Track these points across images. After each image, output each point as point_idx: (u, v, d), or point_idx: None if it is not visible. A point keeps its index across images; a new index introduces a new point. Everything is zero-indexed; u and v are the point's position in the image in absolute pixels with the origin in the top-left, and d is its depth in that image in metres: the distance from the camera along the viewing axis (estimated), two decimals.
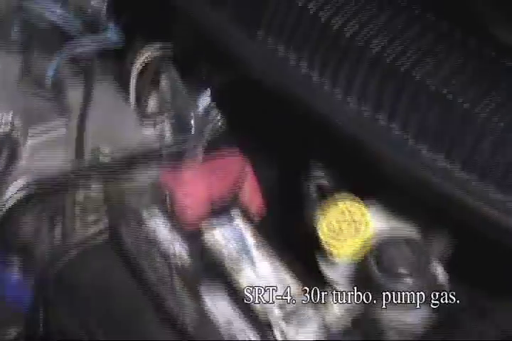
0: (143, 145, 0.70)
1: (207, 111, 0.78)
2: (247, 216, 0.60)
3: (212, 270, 0.54)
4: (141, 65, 0.77)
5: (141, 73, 0.78)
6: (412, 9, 0.57)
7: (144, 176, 0.69)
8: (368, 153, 0.57)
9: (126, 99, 0.76)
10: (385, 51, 0.55)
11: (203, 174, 0.61)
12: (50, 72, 0.70)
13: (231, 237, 0.58)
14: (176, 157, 0.72)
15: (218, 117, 0.78)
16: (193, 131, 0.76)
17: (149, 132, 0.75)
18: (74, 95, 0.72)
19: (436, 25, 0.55)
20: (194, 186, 0.60)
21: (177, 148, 0.73)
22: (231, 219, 0.60)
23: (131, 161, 0.68)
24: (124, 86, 0.77)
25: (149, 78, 0.78)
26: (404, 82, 0.55)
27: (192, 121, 0.77)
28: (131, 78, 0.77)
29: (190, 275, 0.53)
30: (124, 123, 0.73)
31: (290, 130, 0.66)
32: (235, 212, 0.60)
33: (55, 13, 0.72)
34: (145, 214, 0.56)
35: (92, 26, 0.76)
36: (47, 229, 0.62)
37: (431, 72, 0.54)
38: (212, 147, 0.74)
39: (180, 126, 0.76)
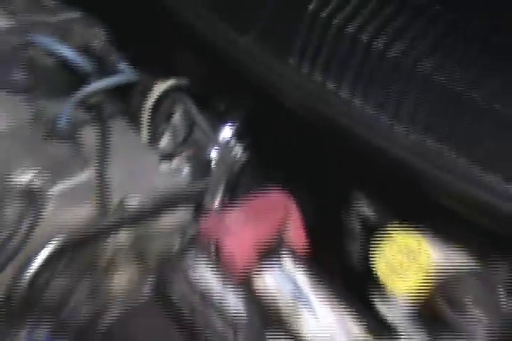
0: (167, 189, 0.70)
1: (228, 146, 0.78)
2: (295, 256, 0.61)
3: (270, 319, 0.55)
4: (154, 101, 0.78)
5: (154, 109, 0.79)
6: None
7: (172, 220, 0.70)
8: (420, 179, 0.59)
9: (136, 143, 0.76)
10: (435, 74, 0.57)
11: (246, 216, 0.62)
12: (62, 119, 0.71)
13: (283, 281, 0.58)
14: (199, 197, 0.73)
15: (241, 152, 0.78)
16: (213, 168, 0.77)
17: (170, 174, 0.75)
18: (90, 142, 0.72)
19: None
20: (238, 230, 0.61)
21: (199, 188, 0.74)
22: (280, 262, 0.60)
23: (158, 207, 0.69)
24: (138, 125, 0.78)
25: (163, 114, 0.79)
26: (458, 107, 0.57)
27: (211, 158, 0.78)
28: (144, 113, 0.78)
29: (249, 328, 0.54)
30: (145, 167, 0.73)
31: (328, 161, 0.67)
32: (283, 254, 0.61)
33: (63, 51, 0.73)
34: (191, 265, 0.57)
35: (101, 65, 0.77)
36: (77, 284, 0.63)
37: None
38: (237, 184, 0.76)
39: (200, 164, 0.78)
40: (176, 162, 0.79)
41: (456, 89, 0.57)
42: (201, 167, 0.78)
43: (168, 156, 0.79)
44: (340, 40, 0.61)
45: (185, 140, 0.79)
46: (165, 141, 0.80)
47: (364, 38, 0.60)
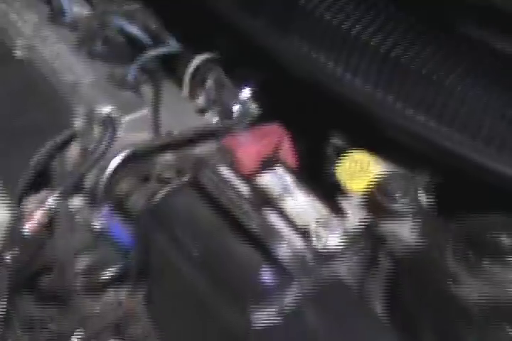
0: (199, 126, 1.03)
1: (246, 101, 1.11)
2: (285, 165, 0.93)
3: (265, 200, 0.87)
4: (193, 68, 1.10)
5: (193, 74, 1.10)
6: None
7: (203, 148, 1.02)
8: (375, 121, 0.91)
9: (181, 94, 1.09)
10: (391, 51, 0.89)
11: (253, 137, 0.95)
12: (129, 75, 1.04)
13: (275, 178, 0.91)
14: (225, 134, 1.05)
15: (255, 106, 1.11)
16: (235, 117, 1.08)
17: (203, 118, 1.08)
18: (147, 92, 1.05)
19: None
20: (247, 145, 0.93)
21: (225, 129, 1.06)
22: (274, 167, 0.92)
23: (193, 138, 1.01)
24: (181, 84, 1.11)
25: (200, 78, 1.11)
26: (406, 74, 0.88)
27: (235, 110, 1.10)
28: (186, 78, 1.10)
29: (252, 204, 0.86)
30: (184, 111, 1.06)
31: (316, 109, 0.99)
32: (277, 163, 0.93)
33: (131, 30, 1.06)
34: (217, 166, 0.89)
35: (156, 41, 1.10)
36: (140, 183, 0.95)
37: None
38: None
39: (226, 114, 1.08)
40: (208, 115, 1.10)
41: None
42: (226, 116, 1.09)
43: (202, 110, 1.09)
44: (321, 25, 0.94)
45: (215, 98, 1.09)
46: (201, 99, 1.10)
47: (336, 21, 0.92)
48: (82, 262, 0.95)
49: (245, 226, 0.81)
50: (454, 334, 0.75)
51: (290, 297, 0.77)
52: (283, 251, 0.78)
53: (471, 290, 0.74)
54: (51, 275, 0.97)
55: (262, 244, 0.78)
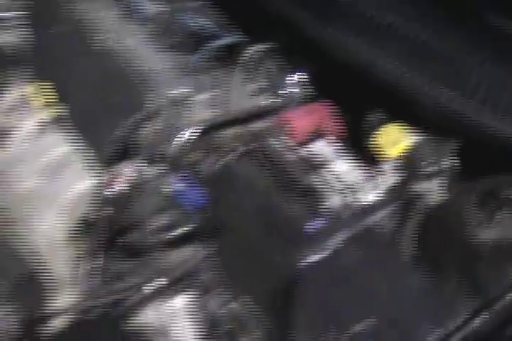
0: (255, 105, 1.19)
1: (298, 84, 1.27)
2: (331, 137, 1.10)
3: (313, 164, 1.05)
4: (254, 55, 1.26)
5: (254, 61, 1.26)
6: None
7: (261, 123, 1.19)
8: (410, 97, 1.06)
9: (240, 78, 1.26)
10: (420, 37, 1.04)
11: (303, 113, 1.12)
12: (198, 62, 1.22)
13: (323, 147, 1.08)
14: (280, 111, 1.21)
15: (306, 88, 1.27)
16: (288, 98, 1.24)
17: (261, 98, 1.25)
18: (215, 76, 1.22)
19: None
20: (298, 120, 1.11)
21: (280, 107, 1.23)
22: (322, 138, 1.10)
23: (250, 115, 1.18)
24: (243, 70, 1.28)
25: (259, 64, 1.26)
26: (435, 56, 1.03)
27: (288, 91, 1.26)
28: (248, 64, 1.26)
29: (308, 164, 1.03)
30: (242, 93, 1.23)
31: (359, 89, 1.15)
32: (325, 135, 1.10)
33: (200, 23, 1.24)
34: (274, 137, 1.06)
35: (222, 31, 1.28)
36: (208, 152, 1.13)
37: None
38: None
39: (280, 95, 1.24)
40: (265, 95, 1.26)
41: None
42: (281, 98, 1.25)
43: (261, 92, 1.25)
44: (351, 16, 1.10)
45: (272, 82, 1.25)
46: (260, 83, 1.25)
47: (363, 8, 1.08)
48: (160, 221, 1.10)
49: (301, 183, 0.98)
50: (473, 271, 0.90)
51: (336, 241, 0.93)
52: (334, 203, 0.95)
53: (488, 233, 0.89)
54: (133, 232, 1.12)
55: (315, 197, 0.95)
